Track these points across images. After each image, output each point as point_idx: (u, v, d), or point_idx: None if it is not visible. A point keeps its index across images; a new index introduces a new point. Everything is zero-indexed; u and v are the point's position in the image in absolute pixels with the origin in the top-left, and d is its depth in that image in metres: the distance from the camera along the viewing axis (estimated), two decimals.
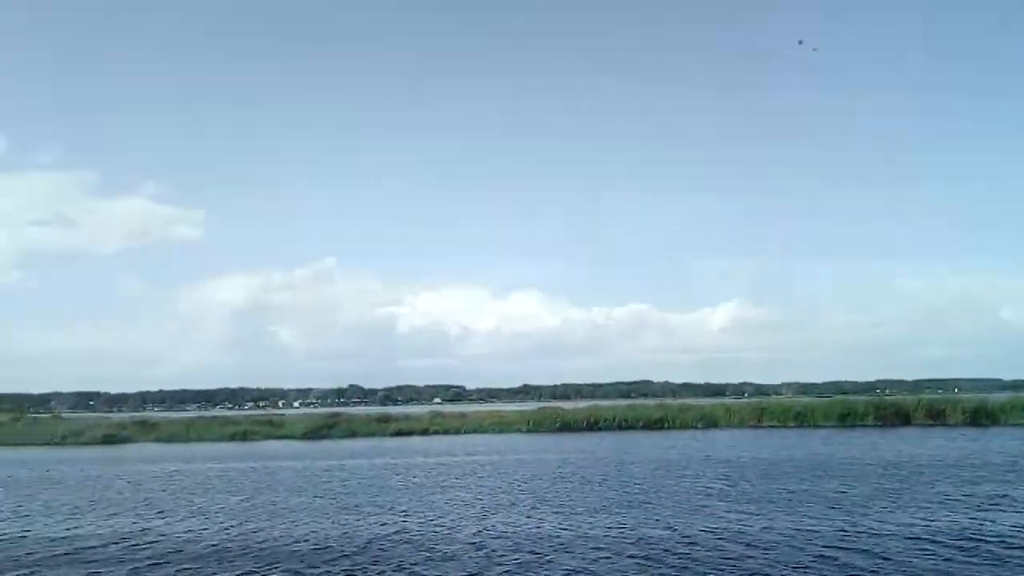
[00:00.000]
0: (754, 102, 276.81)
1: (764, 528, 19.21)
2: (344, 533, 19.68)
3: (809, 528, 19.07)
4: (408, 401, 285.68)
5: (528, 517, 21.48)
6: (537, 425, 61.10)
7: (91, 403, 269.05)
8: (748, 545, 17.23)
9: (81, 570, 16.07)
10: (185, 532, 20.37)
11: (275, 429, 63.31)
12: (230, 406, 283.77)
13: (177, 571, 15.85)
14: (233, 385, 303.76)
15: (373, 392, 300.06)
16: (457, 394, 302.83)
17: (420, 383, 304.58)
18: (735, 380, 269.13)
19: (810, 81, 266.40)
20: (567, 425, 60.48)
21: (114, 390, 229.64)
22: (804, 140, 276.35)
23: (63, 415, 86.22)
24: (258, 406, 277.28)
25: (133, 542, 19.09)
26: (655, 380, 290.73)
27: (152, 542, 19.05)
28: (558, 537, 18.45)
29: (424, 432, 61.31)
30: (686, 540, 17.87)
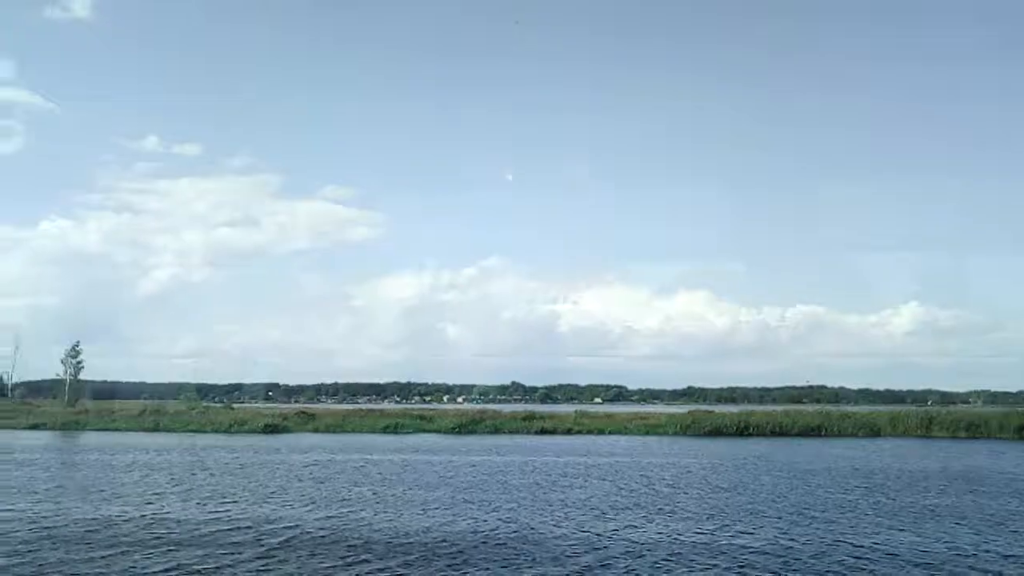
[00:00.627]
0: (922, 80, 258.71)
1: (876, 542, 17.90)
2: (437, 527, 19.81)
3: (918, 544, 17.66)
4: (568, 399, 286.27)
5: (630, 521, 20.97)
6: (685, 428, 59.70)
7: (270, 393, 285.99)
8: (856, 558, 16.07)
9: (196, 552, 16.87)
10: (294, 517, 21.10)
11: (425, 423, 64.88)
12: (399, 399, 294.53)
13: (279, 558, 16.39)
14: (402, 380, 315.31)
15: (534, 389, 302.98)
16: (618, 394, 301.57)
17: (581, 382, 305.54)
18: (918, 387, 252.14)
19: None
20: (717, 430, 58.70)
21: (293, 382, 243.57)
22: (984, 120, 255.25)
23: (234, 405, 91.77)
24: (424, 400, 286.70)
25: (247, 527, 19.91)
26: (830, 385, 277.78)
27: (270, 528, 19.81)
28: (648, 542, 17.90)
29: (568, 431, 61.16)
30: (782, 550, 16.92)
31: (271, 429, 62.84)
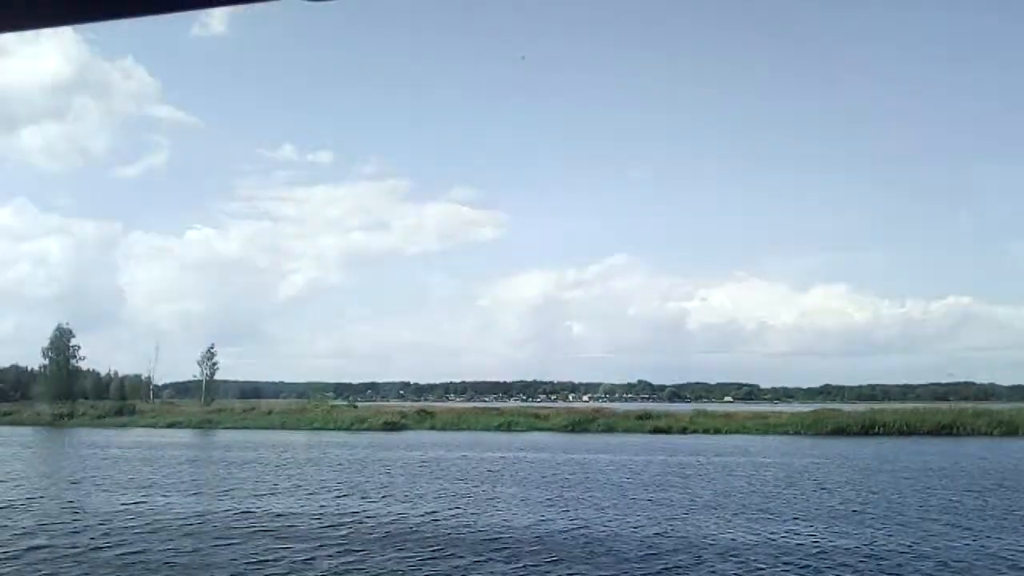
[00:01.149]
0: None
1: (972, 549, 16.91)
2: (527, 524, 19.94)
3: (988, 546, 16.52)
4: (697, 398, 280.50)
5: (727, 521, 20.57)
6: (807, 428, 57.65)
7: (402, 392, 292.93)
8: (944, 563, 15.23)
9: (282, 544, 17.57)
10: (386, 514, 21.66)
11: (538, 421, 65.15)
12: (524, 398, 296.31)
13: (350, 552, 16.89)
14: (528, 378, 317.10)
15: (661, 388, 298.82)
16: (749, 392, 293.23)
17: (711, 380, 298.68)
18: None
19: None
20: (840, 429, 56.40)
21: (424, 381, 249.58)
22: None
23: (366, 404, 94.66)
24: (549, 399, 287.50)
25: (329, 522, 20.58)
26: (979, 382, 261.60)
27: (355, 522, 20.43)
28: (741, 543, 17.55)
29: (683, 431, 60.13)
30: (873, 552, 16.24)
31: (390, 427, 64.48)
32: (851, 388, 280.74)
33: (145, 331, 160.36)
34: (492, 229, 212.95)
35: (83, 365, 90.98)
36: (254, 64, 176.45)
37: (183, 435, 60.24)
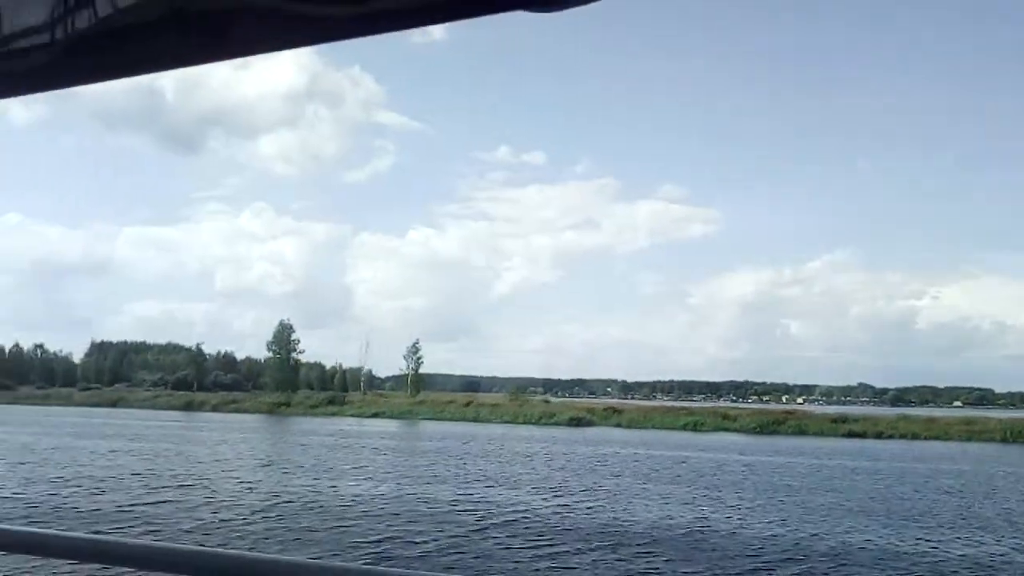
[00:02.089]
0: None
1: None
2: (621, 515, 20.36)
3: None
4: (923, 403, 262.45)
5: (850, 529, 20.00)
6: (1016, 435, 53.25)
7: (608, 389, 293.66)
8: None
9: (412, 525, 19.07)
10: (519, 505, 22.73)
11: (726, 422, 64.08)
12: (734, 398, 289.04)
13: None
14: (740, 378, 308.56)
15: (884, 391, 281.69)
16: (982, 397, 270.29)
17: (939, 384, 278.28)
18: None
19: None
20: None
21: (631, 378, 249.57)
22: None
23: (554, 399, 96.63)
24: (761, 400, 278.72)
25: (463, 507, 21.90)
26: None
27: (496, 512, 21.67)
28: (849, 549, 17.06)
29: (879, 435, 57.15)
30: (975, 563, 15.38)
31: (576, 422, 65.70)
32: None
33: (371, 327, 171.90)
34: (703, 226, 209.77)
35: (304, 358, 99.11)
36: (471, 69, 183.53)
37: (380, 425, 64.39)
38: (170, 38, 1.09)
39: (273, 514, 19.99)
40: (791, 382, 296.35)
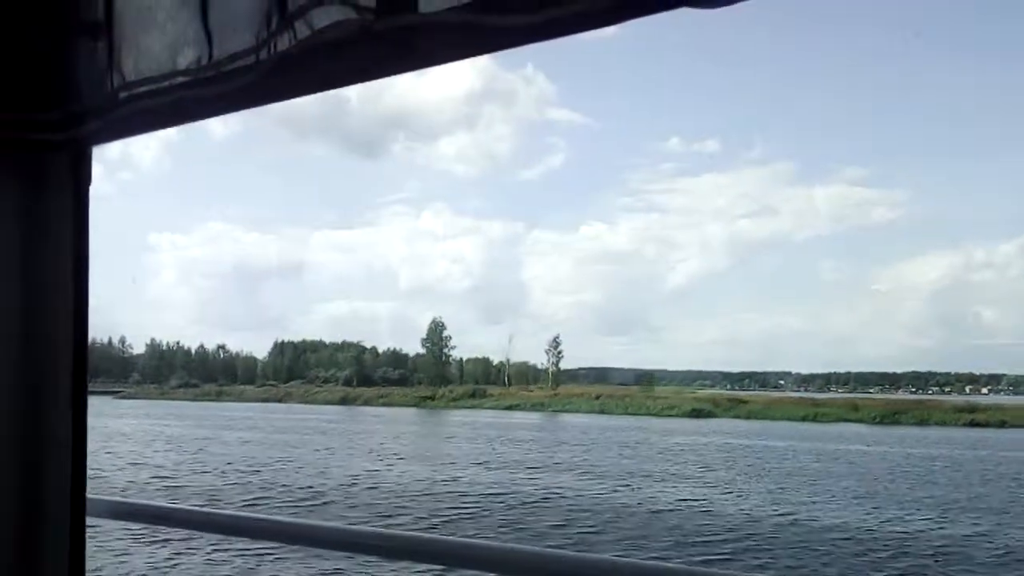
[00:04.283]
0: None
1: None
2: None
3: None
4: None
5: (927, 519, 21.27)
6: None
7: (781, 382, 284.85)
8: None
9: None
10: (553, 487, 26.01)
11: (850, 412, 63.95)
12: (913, 390, 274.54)
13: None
14: (922, 369, 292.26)
15: None
16: None
17: None
18: None
19: None
20: None
21: (810, 370, 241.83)
22: None
23: (718, 391, 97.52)
24: (942, 391, 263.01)
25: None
26: None
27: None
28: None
29: (1000, 425, 55.75)
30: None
31: (696, 413, 67.47)
32: None
33: (545, 322, 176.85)
34: (887, 209, 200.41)
35: (478, 353, 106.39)
36: (641, 61, 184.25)
37: (504, 415, 68.72)
38: (361, 54, 1.29)
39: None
40: (978, 372, 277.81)
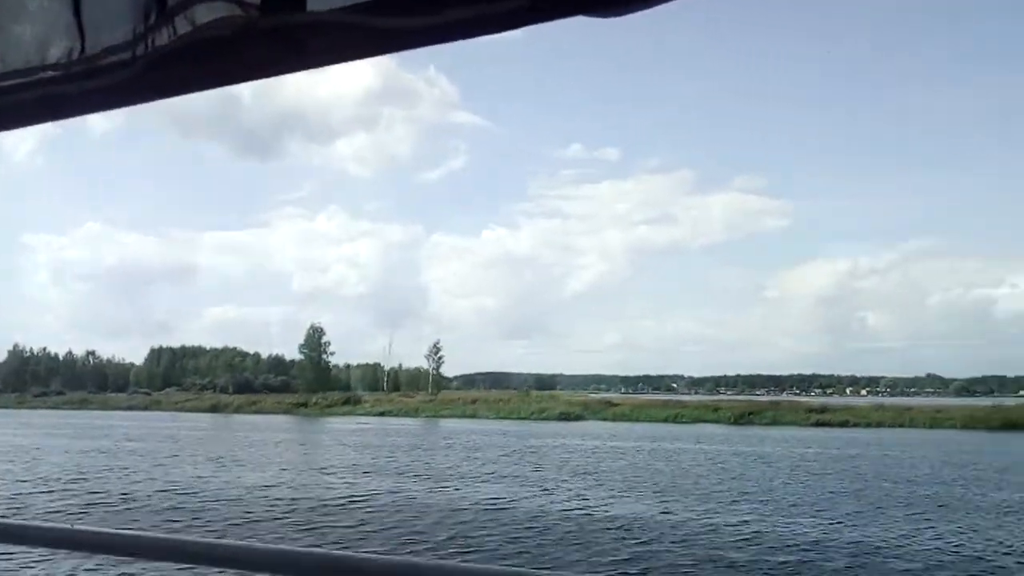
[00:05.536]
0: None
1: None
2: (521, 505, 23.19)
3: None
4: (988, 392, 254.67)
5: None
6: (976, 422, 54.20)
7: (673, 385, 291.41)
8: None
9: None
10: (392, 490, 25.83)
11: (709, 413, 65.78)
12: (797, 392, 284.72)
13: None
14: (806, 372, 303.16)
15: (951, 381, 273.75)
16: None
17: (1011, 373, 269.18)
18: None
19: None
20: (1011, 423, 52.72)
21: (704, 373, 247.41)
22: None
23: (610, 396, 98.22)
24: (825, 393, 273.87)
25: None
26: None
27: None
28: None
29: (843, 424, 58.33)
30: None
31: (565, 417, 68.20)
32: None
33: (444, 326, 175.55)
34: (779, 218, 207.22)
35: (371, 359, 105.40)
36: (543, 66, 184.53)
37: (379, 422, 68.02)
38: (246, 52, 1.22)
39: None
40: (860, 374, 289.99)
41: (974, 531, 18.62)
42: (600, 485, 26.36)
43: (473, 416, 72.37)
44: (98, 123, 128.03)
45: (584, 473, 29.69)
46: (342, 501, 22.94)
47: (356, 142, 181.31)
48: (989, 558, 16.04)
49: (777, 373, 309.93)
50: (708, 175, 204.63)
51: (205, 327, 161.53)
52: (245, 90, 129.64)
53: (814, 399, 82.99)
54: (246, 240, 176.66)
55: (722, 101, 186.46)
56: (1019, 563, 15.78)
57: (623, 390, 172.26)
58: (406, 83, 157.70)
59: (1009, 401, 67.19)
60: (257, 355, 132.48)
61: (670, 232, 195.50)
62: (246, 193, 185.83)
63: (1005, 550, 16.69)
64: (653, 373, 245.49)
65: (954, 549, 16.69)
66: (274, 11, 1.17)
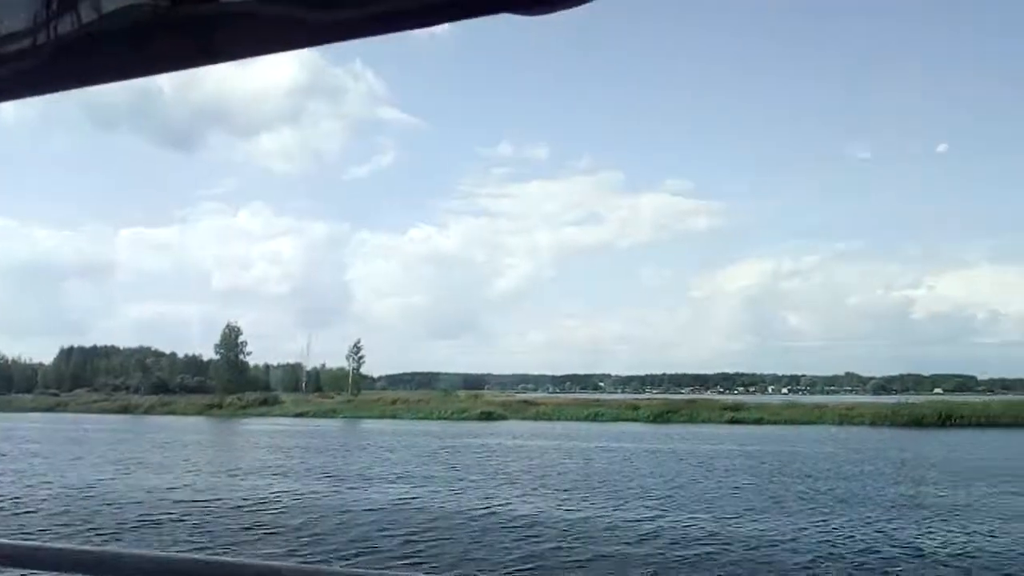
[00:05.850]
0: None
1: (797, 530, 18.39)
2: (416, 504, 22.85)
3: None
4: (905, 390, 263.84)
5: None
6: (883, 419, 55.98)
7: (600, 384, 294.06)
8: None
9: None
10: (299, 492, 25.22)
11: (629, 411, 66.44)
12: (721, 390, 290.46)
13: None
14: (730, 371, 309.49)
15: (868, 379, 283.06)
16: (962, 384, 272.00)
17: (926, 372, 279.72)
18: None
19: None
20: (916, 420, 54.44)
21: (631, 372, 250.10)
22: None
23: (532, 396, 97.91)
24: (747, 391, 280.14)
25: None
26: None
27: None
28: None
29: (757, 422, 59.58)
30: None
31: (486, 416, 68.01)
32: None
33: (371, 326, 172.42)
34: (706, 219, 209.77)
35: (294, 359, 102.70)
36: (473, 63, 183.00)
37: (287, 423, 66.76)
38: (156, 43, 1.16)
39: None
40: (783, 372, 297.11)
41: (865, 524, 19.05)
42: (510, 484, 26.26)
43: (393, 417, 71.61)
44: (7, 113, 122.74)
45: (495, 473, 29.56)
46: (245, 503, 22.38)
47: (280, 137, 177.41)
48: (877, 550, 16.42)
49: (703, 372, 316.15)
50: (638, 175, 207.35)
51: (121, 326, 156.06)
52: (166, 82, 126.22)
53: (730, 397, 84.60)
54: (166, 236, 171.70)
55: (653, 100, 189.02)
56: (905, 553, 16.13)
57: (551, 389, 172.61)
58: (332, 78, 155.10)
59: (919, 398, 69.40)
60: (173, 355, 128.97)
61: (599, 232, 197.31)
62: (167, 188, 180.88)
63: (892, 542, 17.09)
64: (581, 372, 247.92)
65: (844, 542, 17.04)
66: (186, 1, 1.11)
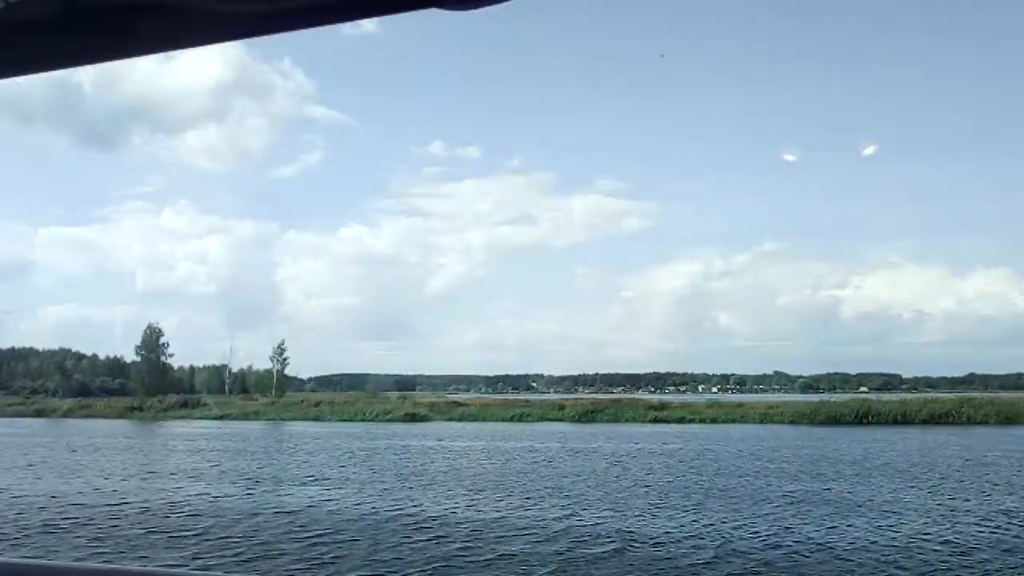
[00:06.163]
0: None
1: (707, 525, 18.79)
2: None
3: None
4: (831, 389, 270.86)
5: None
6: (801, 417, 57.56)
7: (533, 384, 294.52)
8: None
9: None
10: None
11: (554, 411, 66.88)
12: (652, 390, 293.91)
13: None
14: (662, 370, 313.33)
15: (797, 378, 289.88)
16: (887, 383, 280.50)
17: (853, 370, 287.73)
18: None
19: None
20: (834, 418, 56.28)
21: (565, 372, 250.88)
22: None
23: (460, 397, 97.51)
24: (678, 390, 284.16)
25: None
26: None
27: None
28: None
29: (680, 420, 60.64)
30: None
31: (411, 418, 67.68)
32: (995, 377, 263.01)
33: (300, 326, 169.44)
34: (638, 219, 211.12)
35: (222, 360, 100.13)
36: (404, 62, 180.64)
37: (208, 426, 65.46)
38: (66, 36, 1.08)
39: None
40: (713, 372, 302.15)
41: (771, 519, 19.52)
42: (426, 486, 26.25)
43: (316, 419, 70.72)
44: None
45: (412, 474, 29.48)
46: (154, 508, 21.90)
47: (207, 135, 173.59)
48: (779, 544, 16.84)
49: (634, 371, 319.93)
50: (570, 175, 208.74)
51: (40, 328, 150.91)
52: (86, 76, 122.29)
53: (656, 397, 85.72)
54: (87, 235, 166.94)
55: (586, 100, 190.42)
56: (806, 548, 16.56)
57: (484, 390, 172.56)
58: (259, 74, 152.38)
59: (843, 397, 71.26)
60: (94, 357, 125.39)
61: (532, 232, 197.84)
62: (88, 186, 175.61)
63: (795, 537, 17.54)
64: (515, 372, 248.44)
65: (748, 537, 17.45)
66: None
